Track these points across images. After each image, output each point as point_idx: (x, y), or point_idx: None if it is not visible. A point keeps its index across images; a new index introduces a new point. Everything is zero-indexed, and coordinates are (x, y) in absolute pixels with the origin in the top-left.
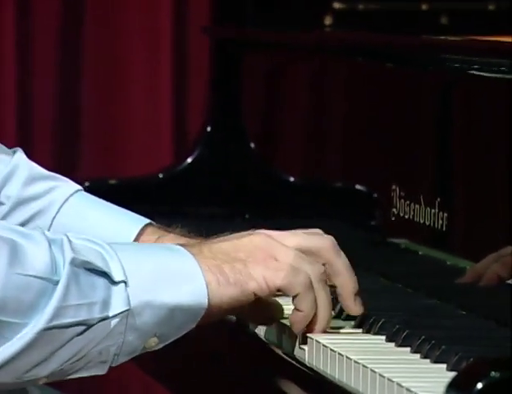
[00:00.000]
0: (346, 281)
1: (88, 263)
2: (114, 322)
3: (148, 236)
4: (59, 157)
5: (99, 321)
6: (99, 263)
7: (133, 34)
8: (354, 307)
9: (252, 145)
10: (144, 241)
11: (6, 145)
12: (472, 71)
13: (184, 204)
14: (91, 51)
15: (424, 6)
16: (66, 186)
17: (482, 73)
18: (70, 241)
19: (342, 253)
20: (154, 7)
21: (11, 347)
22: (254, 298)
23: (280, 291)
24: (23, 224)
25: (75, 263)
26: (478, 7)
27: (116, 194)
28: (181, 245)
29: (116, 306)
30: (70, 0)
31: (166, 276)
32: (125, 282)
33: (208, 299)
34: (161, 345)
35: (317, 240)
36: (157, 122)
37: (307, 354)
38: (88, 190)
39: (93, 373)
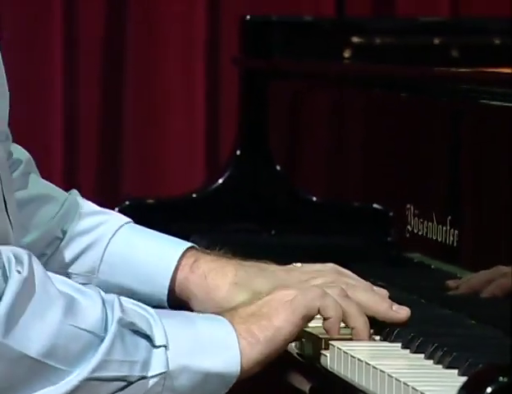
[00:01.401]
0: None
1: (133, 324)
2: (152, 381)
3: (187, 259)
4: (102, 179)
5: (138, 379)
6: (144, 327)
7: (170, 67)
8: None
9: (278, 167)
10: (184, 264)
11: (55, 173)
12: (480, 100)
13: (215, 221)
14: (133, 87)
15: (436, 41)
16: (115, 219)
17: (489, 102)
18: (121, 303)
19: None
20: (189, 42)
21: (55, 391)
22: (286, 346)
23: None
24: (78, 255)
25: (122, 322)
26: (486, 42)
27: (153, 212)
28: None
29: (155, 367)
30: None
31: (204, 344)
32: (165, 346)
33: (241, 367)
34: None
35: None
36: (192, 147)
37: (328, 359)
38: (127, 208)
39: None
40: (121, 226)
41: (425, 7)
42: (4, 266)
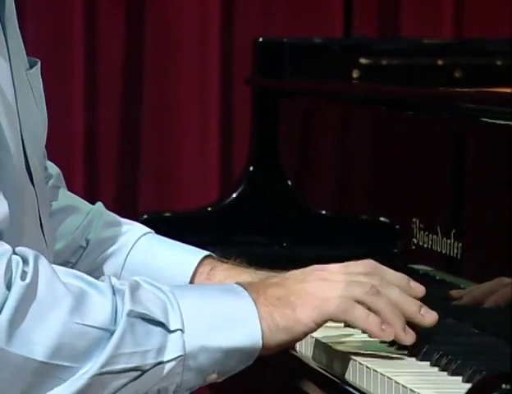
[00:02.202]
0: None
1: (145, 314)
2: (169, 365)
3: (204, 267)
4: (121, 195)
5: (154, 366)
6: (157, 314)
7: (186, 87)
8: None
9: (289, 182)
10: (201, 271)
11: (77, 188)
12: (482, 118)
13: (230, 234)
14: (150, 105)
15: (440, 62)
16: (137, 229)
17: (490, 120)
18: (133, 291)
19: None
20: (204, 62)
21: (66, 389)
22: (304, 337)
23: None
24: (102, 262)
25: (132, 314)
26: (487, 63)
27: (170, 225)
28: (243, 285)
29: (171, 352)
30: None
31: (223, 320)
32: (181, 330)
33: (262, 342)
34: (222, 378)
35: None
36: (207, 163)
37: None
38: (146, 222)
39: None
40: (142, 236)
41: (429, 30)
42: (12, 273)
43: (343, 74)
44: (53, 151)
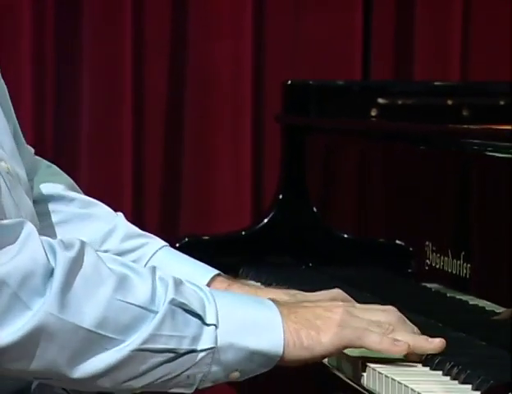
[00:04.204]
0: (415, 344)
1: (185, 304)
2: (201, 355)
3: (220, 284)
4: (165, 220)
5: (187, 352)
6: (196, 307)
7: (222, 123)
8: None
9: (314, 209)
10: (219, 287)
11: (125, 213)
12: (486, 152)
13: (261, 255)
14: (190, 140)
15: (449, 102)
16: (154, 243)
17: (493, 153)
18: (176, 284)
19: (407, 321)
20: (237, 102)
21: (110, 358)
22: (322, 359)
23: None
24: None
25: (174, 302)
26: (492, 102)
27: (208, 247)
28: (275, 301)
29: (205, 342)
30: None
31: (252, 324)
32: (215, 325)
33: (283, 350)
34: (242, 378)
35: (385, 315)
36: (241, 192)
37: (365, 378)
38: (186, 244)
39: (180, 391)
40: (159, 249)
41: (439, 73)
42: (45, 251)
43: (362, 112)
44: (106, 181)
